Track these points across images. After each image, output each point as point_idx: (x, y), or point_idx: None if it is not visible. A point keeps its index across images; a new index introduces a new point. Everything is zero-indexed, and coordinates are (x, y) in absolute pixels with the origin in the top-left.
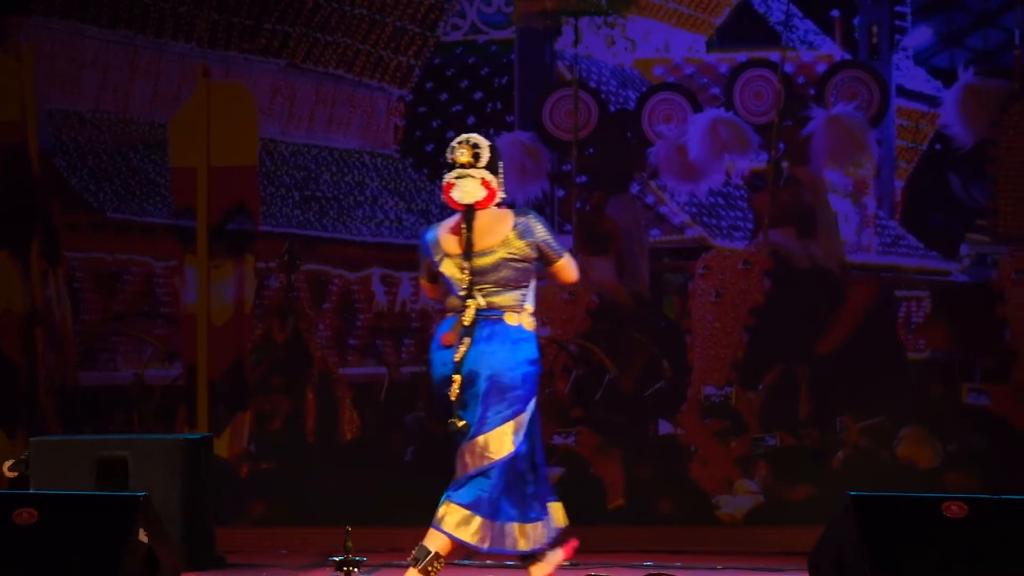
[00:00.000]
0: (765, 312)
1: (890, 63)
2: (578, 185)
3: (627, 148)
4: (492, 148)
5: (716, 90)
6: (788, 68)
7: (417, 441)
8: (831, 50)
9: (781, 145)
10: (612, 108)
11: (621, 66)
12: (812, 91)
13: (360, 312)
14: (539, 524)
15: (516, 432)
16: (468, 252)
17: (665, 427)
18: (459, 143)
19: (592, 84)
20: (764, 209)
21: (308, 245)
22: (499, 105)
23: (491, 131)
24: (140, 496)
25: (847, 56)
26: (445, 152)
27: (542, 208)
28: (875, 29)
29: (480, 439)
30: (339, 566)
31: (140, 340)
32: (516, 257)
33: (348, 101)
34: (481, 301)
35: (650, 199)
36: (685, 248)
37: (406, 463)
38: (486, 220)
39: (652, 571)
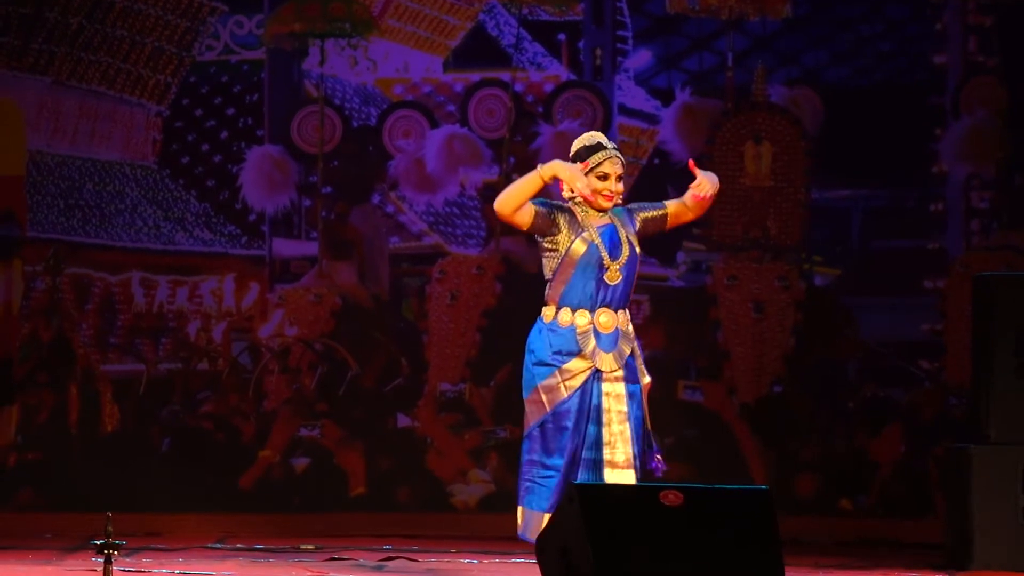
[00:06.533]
0: (496, 314)
1: (613, 83)
2: (323, 195)
3: (369, 161)
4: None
5: (452, 107)
6: (518, 87)
7: (172, 433)
8: (558, 71)
9: (511, 159)
10: (355, 124)
11: (364, 85)
12: (540, 109)
13: (120, 313)
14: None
15: None
16: None
17: (403, 420)
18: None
19: (336, 101)
20: (496, 218)
21: (72, 250)
22: (250, 120)
23: (242, 144)
24: None
25: (573, 77)
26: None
27: (290, 216)
28: (599, 52)
29: None
30: (100, 549)
31: None
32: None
33: (110, 116)
34: None
35: (390, 208)
36: (423, 254)
37: (162, 454)
38: None
39: (391, 554)
